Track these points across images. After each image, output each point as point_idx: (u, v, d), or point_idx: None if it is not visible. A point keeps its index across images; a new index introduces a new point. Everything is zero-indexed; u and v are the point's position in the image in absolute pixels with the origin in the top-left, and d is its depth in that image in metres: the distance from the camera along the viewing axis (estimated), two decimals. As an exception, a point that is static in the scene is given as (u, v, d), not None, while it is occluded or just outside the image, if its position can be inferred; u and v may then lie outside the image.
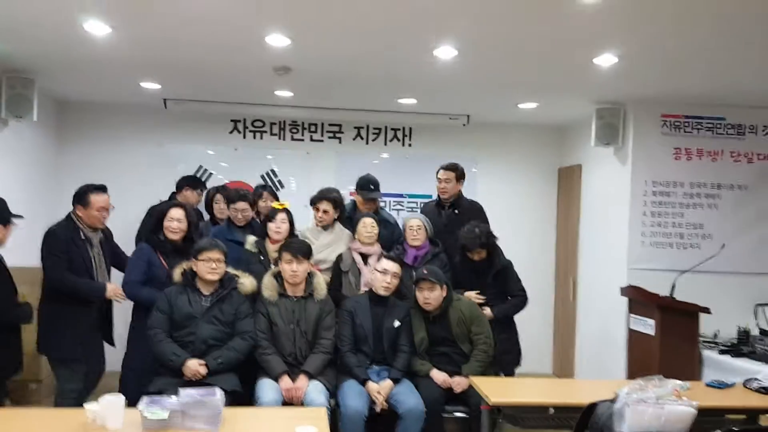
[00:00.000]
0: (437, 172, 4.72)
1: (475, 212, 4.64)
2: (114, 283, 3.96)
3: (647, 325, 4.52)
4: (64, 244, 3.81)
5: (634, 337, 4.71)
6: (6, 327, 3.54)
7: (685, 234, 5.25)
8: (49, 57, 4.43)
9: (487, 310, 4.18)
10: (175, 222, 4.00)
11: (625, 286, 4.90)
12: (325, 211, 4.36)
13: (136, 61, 4.44)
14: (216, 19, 3.52)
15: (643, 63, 4.14)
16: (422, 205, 5.12)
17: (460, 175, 4.68)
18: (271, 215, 4.20)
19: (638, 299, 4.67)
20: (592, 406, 2.64)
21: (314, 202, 4.42)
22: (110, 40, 3.87)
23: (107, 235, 4.21)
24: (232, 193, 4.76)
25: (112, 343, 4.15)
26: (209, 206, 5.26)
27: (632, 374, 4.50)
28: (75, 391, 3.84)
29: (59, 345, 3.83)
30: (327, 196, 4.41)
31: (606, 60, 4.04)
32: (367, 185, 4.66)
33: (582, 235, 6.08)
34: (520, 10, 3.24)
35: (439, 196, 4.76)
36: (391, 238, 4.51)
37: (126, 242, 4.61)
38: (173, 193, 5.46)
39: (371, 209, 4.64)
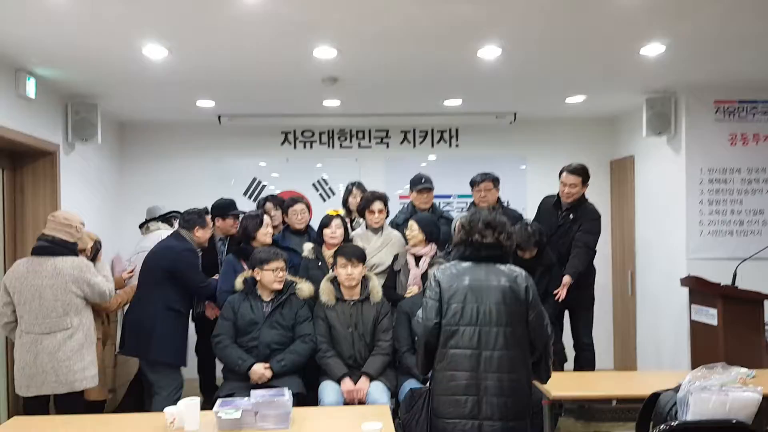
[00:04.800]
0: (560, 174, 4.67)
1: (589, 221, 4.59)
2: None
3: (710, 316, 4.43)
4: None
5: (696, 328, 4.62)
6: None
7: (744, 221, 5.12)
8: (111, 82, 4.68)
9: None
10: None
11: (685, 276, 4.81)
12: (380, 211, 4.45)
13: (191, 80, 4.64)
14: (266, 37, 3.66)
15: (693, 50, 4.08)
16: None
17: (586, 179, 4.64)
18: (326, 222, 4.32)
19: (699, 289, 4.58)
20: (655, 396, 2.63)
21: (367, 205, 4.48)
22: (167, 62, 4.07)
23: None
24: (286, 199, 4.91)
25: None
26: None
27: (696, 366, 4.41)
28: (178, 394, 4.03)
29: (175, 352, 4.06)
30: (378, 195, 4.50)
31: (653, 49, 4.00)
32: (418, 180, 4.75)
33: (638, 226, 5.99)
34: (561, 4, 3.26)
35: (559, 196, 4.73)
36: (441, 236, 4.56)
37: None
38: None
39: (428, 203, 4.72)
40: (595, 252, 4.69)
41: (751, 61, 4.34)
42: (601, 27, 3.62)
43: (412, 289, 4.14)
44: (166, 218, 5.12)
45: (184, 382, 4.20)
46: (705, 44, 3.97)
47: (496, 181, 4.76)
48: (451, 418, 2.64)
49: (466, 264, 2.79)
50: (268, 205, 4.97)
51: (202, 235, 4.22)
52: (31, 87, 4.33)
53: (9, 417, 4.03)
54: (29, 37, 3.62)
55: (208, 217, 4.31)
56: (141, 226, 5.20)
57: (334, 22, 3.46)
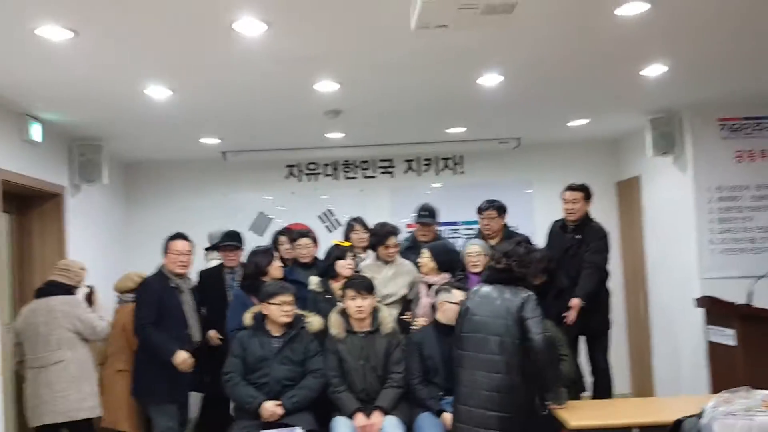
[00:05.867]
0: (562, 193, 4.64)
1: (596, 240, 4.52)
2: (186, 353, 4.01)
3: (727, 336, 4.34)
4: (156, 292, 4.05)
5: (714, 349, 4.53)
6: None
7: (756, 238, 5.05)
8: (115, 123, 4.72)
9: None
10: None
11: (700, 296, 4.73)
12: (395, 245, 4.43)
13: (195, 118, 4.68)
14: (268, 72, 3.69)
15: (694, 69, 4.08)
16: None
17: (587, 195, 4.59)
18: (340, 254, 4.29)
19: (715, 309, 4.50)
20: (678, 423, 2.56)
21: (381, 240, 4.38)
22: (171, 102, 4.10)
23: None
24: (294, 233, 4.90)
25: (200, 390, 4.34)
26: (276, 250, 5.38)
27: (716, 388, 4.31)
28: (172, 430, 4.04)
29: (153, 389, 4.03)
30: (391, 230, 4.44)
31: (654, 70, 4.00)
32: (421, 212, 4.74)
33: (647, 248, 5.92)
34: (560, 30, 3.27)
35: (563, 218, 4.68)
36: (453, 265, 4.51)
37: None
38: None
39: (428, 236, 4.69)
40: (607, 272, 4.61)
41: (755, 77, 4.33)
42: (601, 51, 3.63)
43: (420, 321, 4.08)
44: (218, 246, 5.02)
45: (187, 420, 4.19)
46: (706, 63, 3.97)
47: (500, 209, 4.71)
48: (456, 403, 3.30)
49: (484, 285, 3.37)
50: (281, 239, 4.95)
51: (166, 262, 4.13)
52: (36, 131, 4.37)
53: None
54: (34, 82, 3.66)
55: (172, 242, 4.13)
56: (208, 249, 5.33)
57: (335, 55, 3.48)
